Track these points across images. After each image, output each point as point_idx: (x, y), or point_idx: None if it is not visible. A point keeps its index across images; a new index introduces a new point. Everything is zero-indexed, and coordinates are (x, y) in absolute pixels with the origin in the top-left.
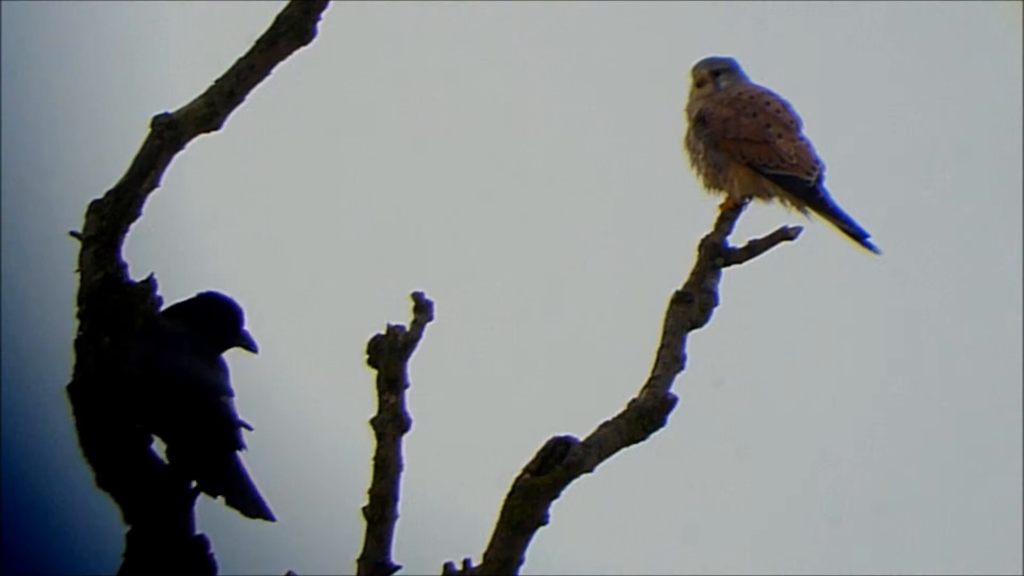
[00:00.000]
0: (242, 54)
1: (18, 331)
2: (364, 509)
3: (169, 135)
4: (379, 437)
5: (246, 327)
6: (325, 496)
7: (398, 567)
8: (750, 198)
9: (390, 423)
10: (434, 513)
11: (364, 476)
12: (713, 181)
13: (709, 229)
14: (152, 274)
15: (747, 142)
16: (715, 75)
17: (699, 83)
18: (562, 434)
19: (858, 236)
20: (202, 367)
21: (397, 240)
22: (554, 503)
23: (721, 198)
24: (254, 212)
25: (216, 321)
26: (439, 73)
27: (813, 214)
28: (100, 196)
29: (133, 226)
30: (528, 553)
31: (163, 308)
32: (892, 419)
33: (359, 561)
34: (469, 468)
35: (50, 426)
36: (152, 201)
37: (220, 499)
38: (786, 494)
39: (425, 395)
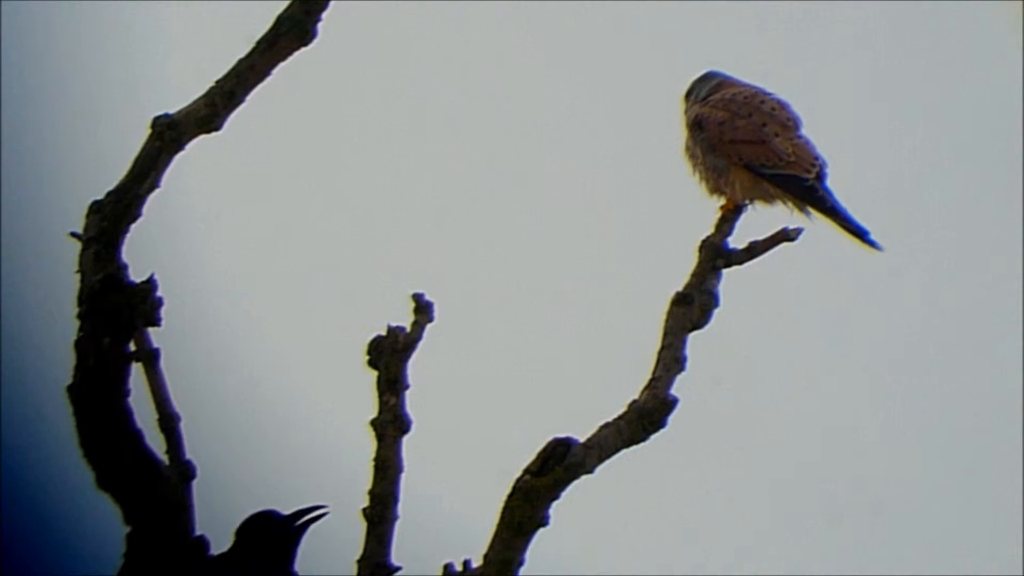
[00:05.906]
0: (243, 54)
1: (18, 331)
2: (364, 510)
3: (169, 136)
4: (379, 438)
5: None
6: (325, 497)
7: (398, 568)
8: (752, 201)
9: (390, 424)
10: (434, 514)
11: (364, 477)
12: (715, 186)
13: (709, 230)
14: (152, 274)
15: (744, 143)
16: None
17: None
18: (562, 435)
19: (859, 234)
20: None
21: (397, 241)
22: (554, 504)
23: (723, 201)
24: (254, 212)
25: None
26: (440, 73)
27: (814, 213)
28: (100, 197)
29: (133, 227)
30: (528, 554)
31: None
32: (892, 419)
33: (359, 562)
34: (469, 469)
35: (50, 426)
36: (152, 201)
37: None
38: (786, 494)
39: (425, 396)
